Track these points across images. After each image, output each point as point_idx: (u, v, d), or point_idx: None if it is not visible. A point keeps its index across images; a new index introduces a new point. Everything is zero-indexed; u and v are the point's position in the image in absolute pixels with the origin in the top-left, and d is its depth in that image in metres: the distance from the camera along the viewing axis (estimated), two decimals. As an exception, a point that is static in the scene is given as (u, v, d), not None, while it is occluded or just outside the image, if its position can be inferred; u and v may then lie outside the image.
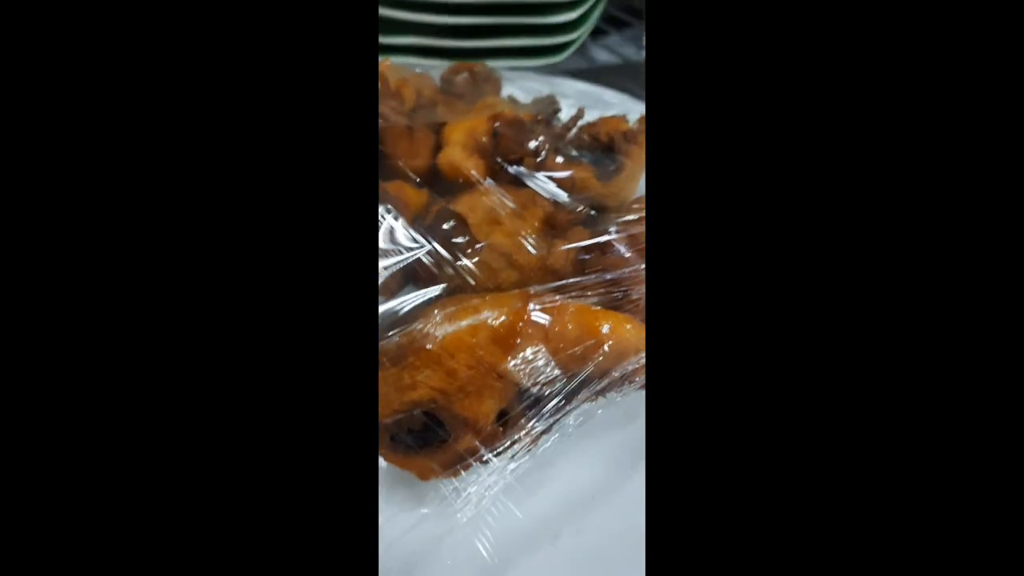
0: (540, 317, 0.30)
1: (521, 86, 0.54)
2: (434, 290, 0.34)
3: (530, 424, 0.30)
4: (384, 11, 0.54)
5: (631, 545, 0.30)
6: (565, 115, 0.48)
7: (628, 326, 0.30)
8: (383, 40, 0.56)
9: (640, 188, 0.43)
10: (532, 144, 0.39)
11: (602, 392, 0.30)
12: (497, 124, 0.40)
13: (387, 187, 0.39)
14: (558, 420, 0.30)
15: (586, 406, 0.31)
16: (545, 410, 0.30)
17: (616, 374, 0.30)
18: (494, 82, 0.52)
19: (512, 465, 0.29)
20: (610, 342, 0.29)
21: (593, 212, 0.36)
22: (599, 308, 0.31)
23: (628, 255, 0.35)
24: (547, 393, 0.30)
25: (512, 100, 0.49)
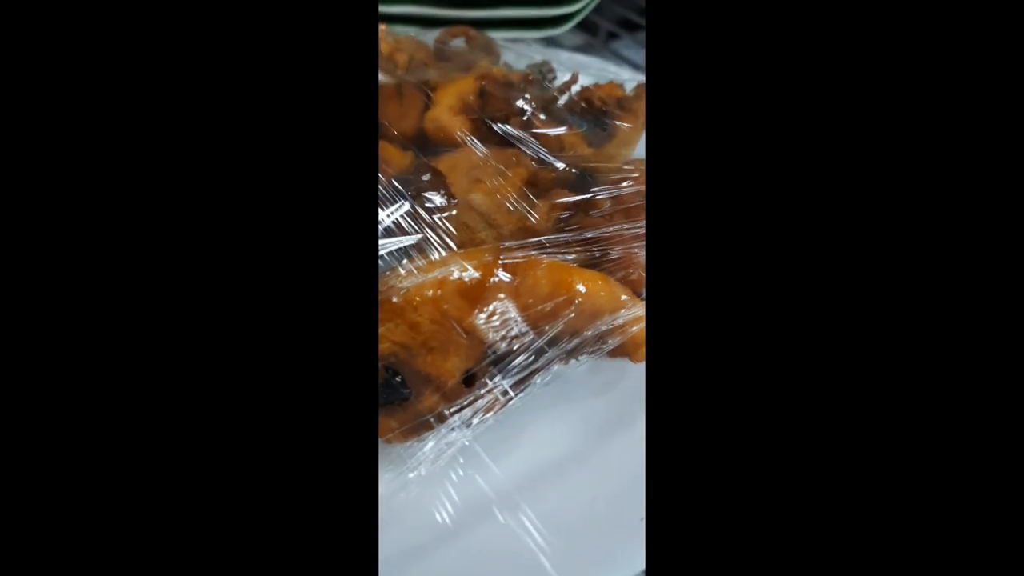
0: (510, 272, 0.28)
1: (520, 54, 0.53)
2: (409, 239, 0.33)
3: (495, 382, 0.29)
4: (382, -23, 0.53)
5: (597, 515, 0.28)
6: (560, 82, 0.46)
7: (601, 284, 0.29)
8: (382, 9, 0.55)
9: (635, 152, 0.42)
10: (519, 103, 0.37)
11: (573, 353, 0.29)
12: (484, 83, 0.39)
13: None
14: (525, 379, 0.28)
15: (556, 367, 0.29)
16: (512, 367, 0.29)
17: (588, 333, 0.28)
18: (492, 50, 0.51)
19: (474, 423, 0.28)
20: (581, 299, 0.28)
21: (576, 171, 0.35)
22: (574, 266, 0.29)
23: (611, 213, 0.33)
24: (515, 349, 0.29)
25: (507, 67, 0.47)
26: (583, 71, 0.52)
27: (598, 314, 0.28)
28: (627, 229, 0.32)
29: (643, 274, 0.31)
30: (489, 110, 0.39)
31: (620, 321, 0.29)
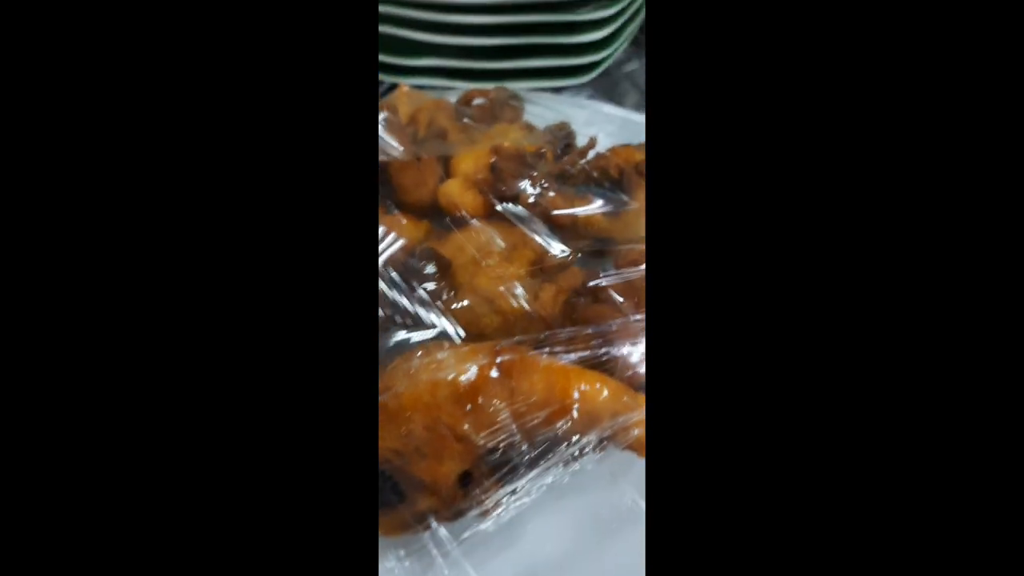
0: (506, 374, 0.28)
1: (545, 107, 0.52)
2: (413, 334, 0.33)
3: (492, 487, 0.28)
4: (405, 32, 0.53)
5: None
6: (581, 141, 0.45)
7: (602, 388, 0.28)
8: (404, 62, 0.55)
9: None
10: (525, 185, 0.37)
11: (572, 459, 0.28)
12: (494, 159, 0.38)
13: (382, 221, 0.38)
14: (522, 486, 0.28)
15: (556, 471, 0.28)
16: (508, 475, 0.28)
17: (587, 439, 0.27)
18: (513, 107, 0.51)
19: (466, 533, 0.27)
20: (578, 406, 0.27)
21: (580, 254, 0.34)
22: (573, 367, 0.29)
23: (621, 302, 0.32)
24: (511, 456, 0.28)
25: (528, 127, 0.47)
26: (604, 122, 0.51)
27: (597, 420, 0.27)
28: (637, 321, 0.31)
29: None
30: (499, 186, 0.38)
31: (621, 424, 0.28)
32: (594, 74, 0.54)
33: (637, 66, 0.66)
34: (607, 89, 0.59)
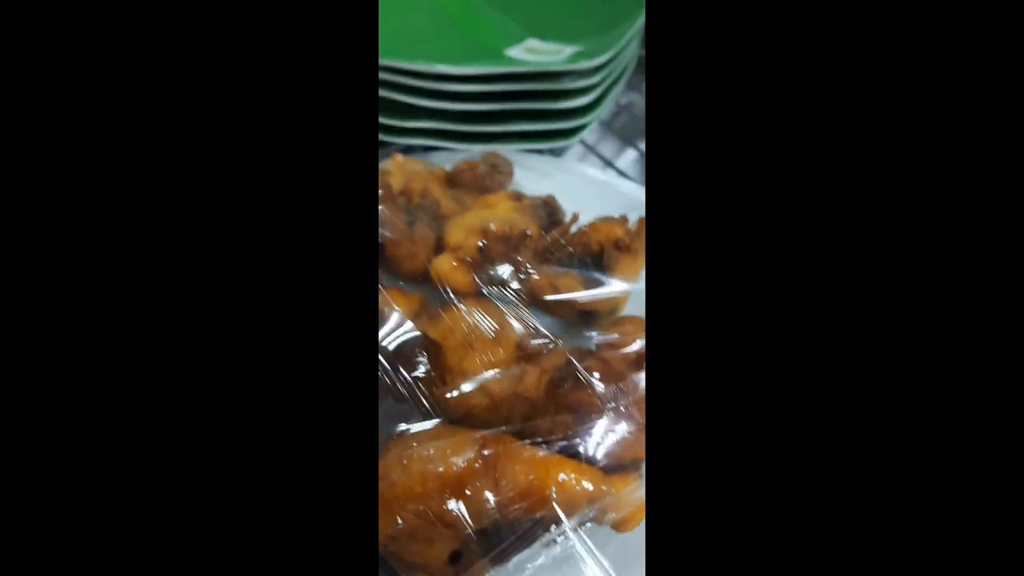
0: (491, 465, 0.30)
1: (532, 171, 0.55)
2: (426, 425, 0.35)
3: (482, 567, 0.31)
4: (402, 97, 0.56)
5: None
6: (569, 208, 0.48)
7: (579, 479, 0.30)
8: (401, 123, 0.57)
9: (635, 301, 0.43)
10: (505, 270, 0.39)
11: (553, 543, 0.30)
12: (481, 243, 0.41)
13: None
14: (512, 566, 0.30)
15: (543, 552, 0.31)
16: (498, 556, 0.30)
17: (568, 524, 0.30)
18: (504, 171, 0.53)
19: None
20: (556, 494, 0.30)
21: (552, 346, 0.36)
22: (554, 457, 0.31)
23: (600, 390, 0.35)
24: (499, 539, 0.31)
25: (517, 196, 0.49)
26: (592, 189, 0.53)
27: (574, 508, 0.30)
28: (615, 407, 0.33)
29: (626, 452, 0.33)
30: (488, 267, 0.41)
31: (598, 508, 0.30)
32: (577, 138, 0.56)
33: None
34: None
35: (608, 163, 0.65)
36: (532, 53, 0.59)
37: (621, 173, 0.61)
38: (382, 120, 0.58)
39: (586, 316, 0.42)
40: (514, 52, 0.59)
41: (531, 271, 0.39)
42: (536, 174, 0.54)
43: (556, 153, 0.60)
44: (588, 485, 0.30)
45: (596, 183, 0.53)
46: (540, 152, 0.58)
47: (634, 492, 0.32)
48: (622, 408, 0.34)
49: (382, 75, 0.55)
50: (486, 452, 0.31)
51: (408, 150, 0.59)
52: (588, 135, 0.61)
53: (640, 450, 0.33)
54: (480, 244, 0.41)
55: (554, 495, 0.30)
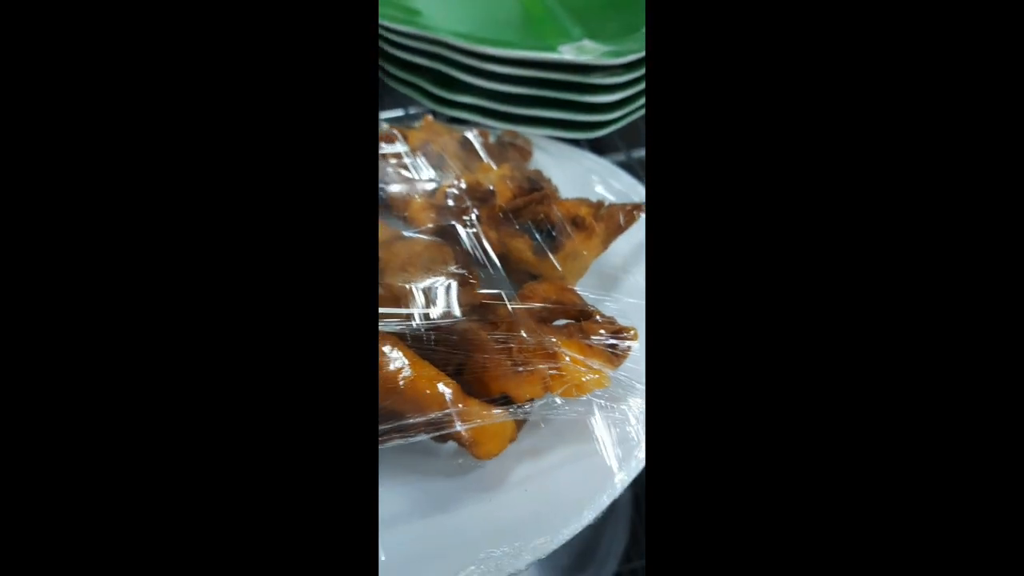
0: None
1: (552, 156, 0.59)
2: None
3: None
4: (449, 71, 0.62)
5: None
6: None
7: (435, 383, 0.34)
8: (447, 95, 0.64)
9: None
10: (471, 214, 0.44)
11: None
12: (451, 187, 0.45)
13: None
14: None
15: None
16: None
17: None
18: (520, 149, 0.58)
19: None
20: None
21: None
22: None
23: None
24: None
25: (513, 169, 0.54)
26: (607, 176, 0.56)
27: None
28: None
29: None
30: (452, 211, 0.45)
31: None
32: (602, 132, 0.59)
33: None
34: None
35: (627, 155, 0.68)
36: (579, 52, 0.63)
37: (632, 168, 0.63)
38: (433, 90, 0.64)
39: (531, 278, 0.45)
40: (564, 49, 0.63)
41: (476, 222, 0.43)
42: (554, 158, 0.59)
43: (577, 143, 0.64)
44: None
45: (603, 170, 0.56)
46: (564, 141, 0.62)
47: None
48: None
49: (441, 50, 0.62)
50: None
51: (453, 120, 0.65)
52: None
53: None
54: (449, 191, 0.45)
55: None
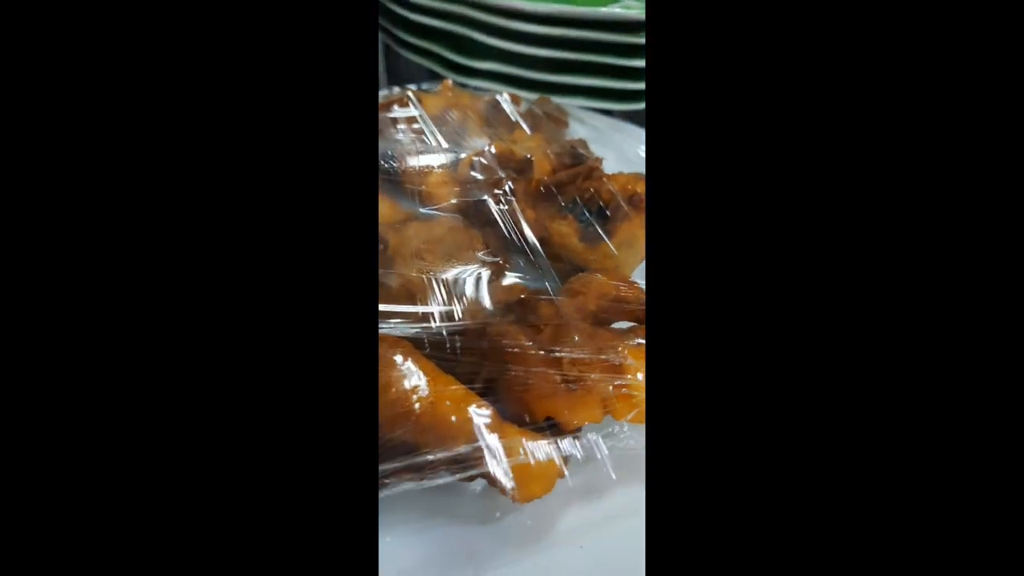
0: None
1: (590, 128, 0.50)
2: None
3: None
4: (470, 32, 0.54)
5: None
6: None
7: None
8: (468, 63, 0.55)
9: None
10: (503, 187, 0.35)
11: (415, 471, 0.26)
12: (478, 157, 0.37)
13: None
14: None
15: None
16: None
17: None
18: (556, 119, 0.49)
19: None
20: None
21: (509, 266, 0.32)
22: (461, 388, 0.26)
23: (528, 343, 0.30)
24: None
25: (548, 139, 0.45)
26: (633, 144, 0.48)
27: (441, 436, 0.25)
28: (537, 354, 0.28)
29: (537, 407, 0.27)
30: (480, 185, 0.37)
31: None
32: (639, 102, 0.51)
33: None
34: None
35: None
36: (624, 8, 0.54)
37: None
38: (453, 58, 0.56)
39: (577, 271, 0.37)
40: (609, 7, 0.55)
41: (512, 198, 0.35)
42: (592, 131, 0.50)
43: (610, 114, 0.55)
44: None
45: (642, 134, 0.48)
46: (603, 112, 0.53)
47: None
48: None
49: (461, 8, 0.53)
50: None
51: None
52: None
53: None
54: (476, 160, 0.37)
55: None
